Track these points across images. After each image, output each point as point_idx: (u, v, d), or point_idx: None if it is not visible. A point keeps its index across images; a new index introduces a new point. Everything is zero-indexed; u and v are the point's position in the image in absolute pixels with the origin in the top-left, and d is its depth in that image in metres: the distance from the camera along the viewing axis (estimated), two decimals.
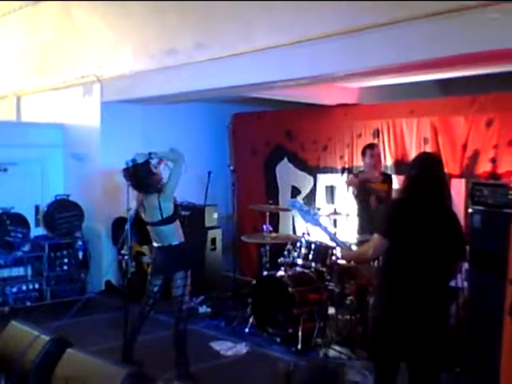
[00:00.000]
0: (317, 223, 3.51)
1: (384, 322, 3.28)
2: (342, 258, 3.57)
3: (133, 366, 4.49)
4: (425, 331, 3.21)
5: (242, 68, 5.69)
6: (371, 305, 3.45)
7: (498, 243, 4.52)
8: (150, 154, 4.78)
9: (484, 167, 5.79)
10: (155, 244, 4.93)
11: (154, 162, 4.77)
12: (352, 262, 4.23)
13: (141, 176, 4.69)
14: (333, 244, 3.56)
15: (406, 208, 3.29)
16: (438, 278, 3.29)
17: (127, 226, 6.64)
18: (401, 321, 3.21)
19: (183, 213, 7.31)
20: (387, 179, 6.26)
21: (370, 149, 6.24)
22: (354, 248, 3.57)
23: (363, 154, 6.26)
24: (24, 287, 7.04)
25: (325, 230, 3.52)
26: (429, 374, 3.30)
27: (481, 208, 4.75)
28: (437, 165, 3.44)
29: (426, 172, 3.32)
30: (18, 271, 7.07)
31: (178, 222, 4.89)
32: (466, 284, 5.58)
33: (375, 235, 3.26)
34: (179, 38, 6.32)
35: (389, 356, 3.31)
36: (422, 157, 3.63)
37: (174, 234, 4.83)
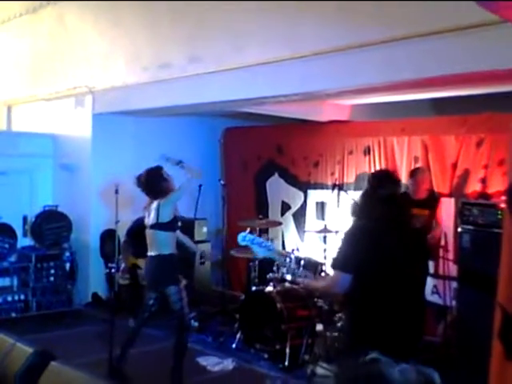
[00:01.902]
0: (273, 255, 3.37)
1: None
2: (306, 287, 3.42)
3: (120, 380, 4.47)
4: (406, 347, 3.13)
5: (234, 83, 5.71)
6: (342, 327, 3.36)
7: (487, 263, 4.53)
8: (180, 161, 4.96)
9: (474, 187, 5.82)
10: (149, 253, 4.93)
11: (174, 162, 4.96)
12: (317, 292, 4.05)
13: (153, 180, 4.83)
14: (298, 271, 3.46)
15: (369, 236, 3.09)
16: (412, 294, 3.24)
17: (124, 239, 6.67)
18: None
19: None
20: (427, 204, 5.82)
21: (411, 174, 5.98)
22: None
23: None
24: (9, 298, 6.97)
25: (284, 260, 3.44)
26: None
27: (470, 227, 4.77)
28: (395, 182, 3.38)
29: (385, 190, 3.23)
30: (3, 282, 7.00)
31: (173, 235, 4.89)
32: (454, 303, 5.59)
33: (335, 271, 3.09)
34: (173, 51, 6.33)
35: None
36: (381, 175, 3.55)
37: (167, 244, 4.83)
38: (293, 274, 5.88)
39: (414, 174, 5.92)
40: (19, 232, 7.30)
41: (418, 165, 6.28)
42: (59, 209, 7.47)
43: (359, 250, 3.03)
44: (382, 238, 3.07)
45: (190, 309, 4.94)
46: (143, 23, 6.61)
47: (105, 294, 7.45)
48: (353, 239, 3.12)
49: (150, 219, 4.88)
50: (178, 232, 5.05)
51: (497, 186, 5.63)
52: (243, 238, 3.24)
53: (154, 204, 4.83)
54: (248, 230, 3.46)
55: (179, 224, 5.05)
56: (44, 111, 8.34)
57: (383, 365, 1.00)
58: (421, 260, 3.25)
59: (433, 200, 5.92)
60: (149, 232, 4.90)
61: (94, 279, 7.53)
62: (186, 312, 4.81)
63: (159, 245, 4.83)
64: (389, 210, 3.13)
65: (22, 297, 7.06)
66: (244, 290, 6.70)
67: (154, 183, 4.85)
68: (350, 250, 3.08)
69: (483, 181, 5.75)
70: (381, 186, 3.27)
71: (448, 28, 4.10)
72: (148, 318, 4.97)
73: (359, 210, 3.22)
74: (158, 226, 4.79)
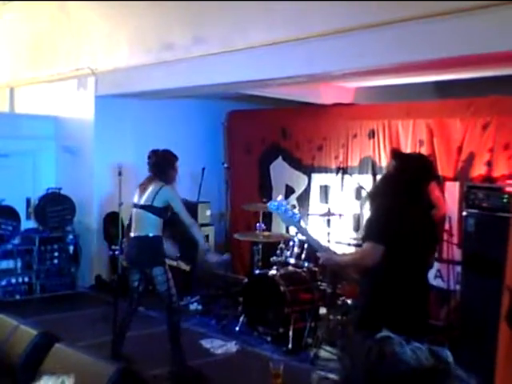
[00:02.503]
0: (299, 229, 3.42)
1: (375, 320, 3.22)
2: (328, 263, 3.40)
3: (122, 361, 4.48)
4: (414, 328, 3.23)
5: (238, 64, 5.66)
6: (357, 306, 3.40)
7: (492, 247, 4.51)
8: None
9: (479, 170, 5.78)
10: (132, 234, 4.89)
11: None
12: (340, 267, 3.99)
13: (165, 162, 4.85)
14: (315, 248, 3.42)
15: (399, 212, 3.20)
16: (425, 275, 3.39)
17: (128, 222, 6.64)
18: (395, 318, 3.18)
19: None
20: None
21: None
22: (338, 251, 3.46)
23: None
24: (13, 280, 6.99)
25: (307, 235, 3.43)
26: None
27: (475, 211, 4.74)
28: (431, 169, 3.50)
29: (420, 177, 3.31)
30: (7, 264, 7.01)
31: (160, 222, 4.81)
32: (457, 287, 5.58)
33: (368, 243, 3.15)
34: (176, 32, 6.27)
35: None
36: (419, 160, 3.54)
37: (155, 226, 4.80)
38: (296, 258, 5.89)
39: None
40: (22, 214, 7.30)
41: (422, 148, 6.24)
42: (62, 191, 7.46)
43: (390, 223, 3.11)
44: (409, 215, 3.17)
45: (190, 300, 4.91)
46: (146, 4, 6.54)
47: (108, 276, 7.46)
48: (384, 213, 3.19)
49: (141, 199, 4.81)
50: (195, 227, 4.96)
51: (502, 169, 5.59)
52: (271, 204, 3.30)
53: (153, 186, 4.78)
54: (280, 197, 3.47)
55: (169, 213, 4.93)
56: (46, 93, 8.30)
57: (395, 343, 0.98)
58: (433, 241, 3.34)
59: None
60: (138, 211, 4.84)
61: (97, 262, 7.55)
62: (173, 293, 4.77)
63: (147, 226, 4.80)
64: (414, 189, 3.24)
65: (26, 279, 7.09)
66: (247, 273, 6.71)
67: (164, 165, 4.85)
68: (382, 223, 3.16)
69: (489, 164, 5.71)
70: (407, 166, 3.31)
71: (454, 9, 4.04)
72: (139, 298, 4.95)
73: (388, 187, 3.31)
74: (150, 208, 4.74)
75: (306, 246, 5.85)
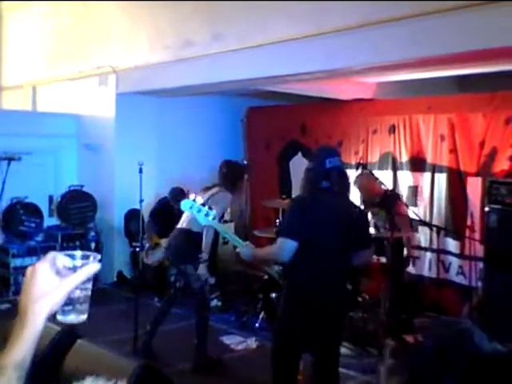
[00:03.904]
0: (216, 227, 3.52)
1: (291, 317, 3.27)
2: (247, 258, 3.42)
3: (146, 356, 4.55)
4: (331, 320, 3.28)
5: (257, 61, 5.65)
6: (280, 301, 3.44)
7: None
8: None
9: (502, 165, 5.71)
10: (178, 225, 4.97)
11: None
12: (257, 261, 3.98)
13: (234, 174, 4.96)
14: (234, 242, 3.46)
15: (308, 205, 3.26)
16: (342, 268, 3.32)
17: (148, 219, 6.70)
18: (307, 313, 3.21)
19: None
20: (383, 205, 5.78)
21: (354, 181, 5.94)
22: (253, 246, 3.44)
23: None
24: None
25: (225, 233, 3.47)
26: (332, 360, 3.37)
27: (498, 207, 4.69)
28: (332, 157, 3.33)
29: (322, 166, 3.27)
30: (30, 260, 7.08)
31: (210, 231, 4.77)
32: (479, 283, 5.52)
33: (281, 238, 3.20)
34: (196, 29, 6.28)
35: (294, 349, 3.32)
36: (320, 151, 3.58)
37: (199, 225, 4.80)
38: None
39: (356, 180, 5.94)
40: (45, 212, 7.39)
41: (444, 143, 6.17)
42: (84, 189, 7.54)
43: (300, 219, 3.20)
44: (315, 210, 3.21)
45: (211, 289, 4.96)
46: (165, 1, 6.56)
47: (129, 273, 7.52)
48: (294, 209, 3.32)
49: (200, 198, 4.90)
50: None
51: None
52: (184, 204, 3.38)
53: (214, 190, 4.87)
54: (193, 197, 3.51)
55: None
56: (68, 91, 8.38)
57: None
58: (353, 234, 3.24)
59: (388, 200, 5.86)
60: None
61: (118, 258, 7.61)
62: (206, 290, 4.87)
63: (193, 221, 4.83)
64: (331, 186, 3.25)
65: None
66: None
67: (235, 174, 4.96)
68: (289, 219, 3.32)
69: (511, 159, 5.63)
70: (318, 161, 3.34)
71: (476, 2, 3.99)
72: (174, 294, 5.05)
73: (304, 184, 3.39)
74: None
75: None
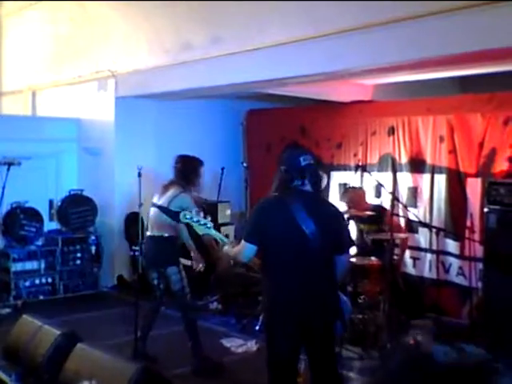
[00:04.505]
0: (215, 235, 3.56)
1: (270, 319, 3.27)
2: (222, 253, 3.51)
3: (144, 361, 4.53)
4: (313, 323, 3.20)
5: (256, 64, 5.66)
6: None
7: None
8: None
9: (501, 166, 5.70)
10: (148, 233, 4.97)
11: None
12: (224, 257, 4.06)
13: (190, 168, 4.90)
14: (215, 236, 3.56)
15: (274, 206, 3.24)
16: (318, 269, 3.19)
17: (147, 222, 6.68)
18: (283, 315, 3.19)
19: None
20: (373, 220, 5.90)
21: (343, 195, 6.17)
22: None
23: None
24: (37, 281, 7.08)
25: (218, 236, 3.52)
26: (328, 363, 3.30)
27: (497, 207, 4.69)
28: (303, 156, 3.27)
29: (293, 165, 3.23)
30: (31, 265, 7.10)
31: (175, 224, 4.79)
32: (479, 284, 5.52)
33: (242, 241, 3.23)
34: (194, 32, 6.30)
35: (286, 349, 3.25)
36: (287, 152, 3.47)
37: (169, 227, 4.85)
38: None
39: (344, 194, 5.97)
40: (45, 216, 7.40)
41: (443, 144, 6.18)
42: (84, 193, 7.55)
43: (258, 222, 3.23)
44: (280, 211, 3.17)
45: (210, 299, 4.95)
46: (164, 5, 6.57)
47: (130, 276, 7.52)
48: (255, 212, 3.33)
49: (160, 200, 4.89)
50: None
51: None
52: (184, 216, 3.45)
53: (173, 190, 4.84)
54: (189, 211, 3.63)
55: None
56: (68, 96, 8.40)
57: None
58: (327, 237, 3.16)
59: (379, 216, 5.92)
60: (155, 211, 4.91)
61: (119, 262, 7.62)
62: (186, 292, 4.86)
63: (162, 226, 4.87)
64: (290, 185, 3.21)
65: (49, 280, 7.17)
66: None
67: (189, 171, 4.90)
68: (249, 223, 3.35)
69: (510, 160, 5.63)
70: (285, 162, 3.31)
71: (474, 3, 4.00)
72: (161, 296, 5.02)
73: (276, 184, 3.33)
74: (166, 209, 4.80)
75: None
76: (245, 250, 3.21)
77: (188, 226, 4.99)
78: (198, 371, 4.79)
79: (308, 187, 3.22)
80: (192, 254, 5.06)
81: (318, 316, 3.19)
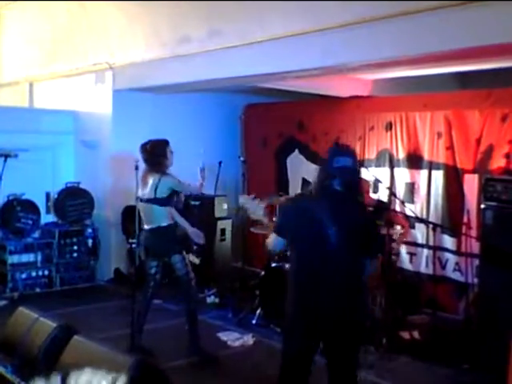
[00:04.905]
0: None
1: (294, 316, 3.26)
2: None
3: (141, 353, 4.55)
4: (333, 321, 3.16)
5: (254, 57, 5.65)
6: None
7: (510, 240, 4.47)
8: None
9: (498, 162, 5.72)
10: (146, 226, 4.98)
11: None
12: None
13: (155, 152, 4.90)
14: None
15: (298, 205, 3.30)
16: (342, 270, 3.15)
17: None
18: (304, 310, 3.20)
19: (192, 203, 7.32)
20: (375, 214, 5.78)
21: None
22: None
23: None
24: (33, 273, 7.08)
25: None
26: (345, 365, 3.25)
27: (494, 204, 4.69)
28: (343, 156, 3.24)
29: (331, 164, 3.20)
30: (27, 257, 7.10)
31: (169, 209, 4.91)
32: (476, 280, 5.54)
33: (272, 233, 3.31)
34: (192, 25, 6.28)
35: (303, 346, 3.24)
36: (331, 149, 3.41)
37: (164, 216, 4.88)
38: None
39: None
40: (42, 208, 7.39)
41: (440, 140, 6.18)
42: (81, 185, 7.54)
43: (286, 217, 3.30)
44: (308, 210, 3.17)
45: (207, 292, 5.01)
46: None
47: (127, 269, 7.53)
48: (285, 207, 3.45)
49: (145, 192, 4.89)
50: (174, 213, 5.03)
51: None
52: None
53: (152, 179, 4.85)
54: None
55: (175, 199, 5.01)
56: (65, 88, 8.37)
57: None
58: (357, 238, 3.13)
59: (380, 210, 5.88)
60: (144, 205, 4.92)
61: (115, 255, 7.62)
62: (191, 277, 4.91)
63: (157, 217, 4.89)
64: (328, 183, 3.19)
65: (46, 272, 7.17)
66: (264, 266, 6.70)
67: (155, 154, 4.90)
68: (283, 216, 3.40)
69: (508, 156, 5.64)
70: (322, 161, 3.33)
71: None
72: (155, 287, 5.03)
73: (313, 182, 3.35)
74: (154, 200, 4.83)
75: None
76: (274, 242, 3.29)
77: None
78: (194, 363, 4.82)
79: (339, 188, 3.18)
80: (189, 231, 5.09)
81: (335, 317, 3.16)
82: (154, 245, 4.97)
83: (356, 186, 3.29)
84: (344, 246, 3.11)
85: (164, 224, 4.89)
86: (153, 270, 4.99)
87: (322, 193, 3.22)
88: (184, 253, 4.96)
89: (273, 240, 3.29)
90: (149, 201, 4.86)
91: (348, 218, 3.16)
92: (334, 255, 3.12)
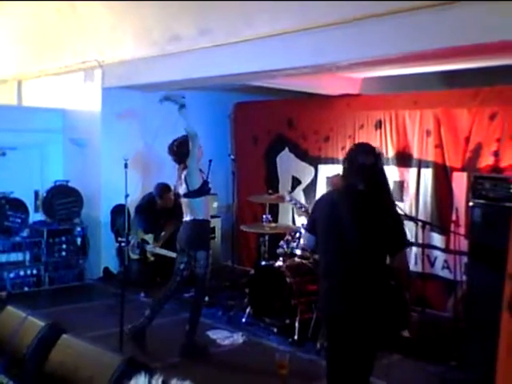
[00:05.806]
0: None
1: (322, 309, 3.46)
2: None
3: (133, 346, 4.60)
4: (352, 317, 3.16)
5: (244, 56, 5.64)
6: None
7: (498, 237, 4.48)
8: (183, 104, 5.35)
9: (486, 161, 5.75)
10: (184, 218, 5.14)
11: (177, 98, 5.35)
12: None
13: (181, 151, 5.05)
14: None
15: (324, 203, 3.37)
16: (364, 266, 3.14)
17: (133, 215, 6.71)
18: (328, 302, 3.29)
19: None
20: None
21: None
22: None
23: None
24: (22, 272, 7.04)
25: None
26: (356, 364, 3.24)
27: (482, 202, 4.71)
28: (363, 154, 3.24)
29: (352, 163, 3.24)
30: (16, 256, 7.06)
31: (205, 199, 5.07)
32: (464, 277, 5.57)
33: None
34: (182, 23, 6.26)
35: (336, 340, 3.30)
36: (351, 148, 3.43)
37: (200, 209, 5.03)
38: (302, 249, 5.89)
39: (327, 182, 5.96)
40: (31, 207, 7.35)
41: (429, 138, 6.20)
42: (70, 184, 7.50)
43: (313, 215, 3.42)
44: (331, 208, 3.25)
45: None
46: None
47: (116, 268, 7.50)
48: (314, 205, 3.54)
49: (182, 188, 5.09)
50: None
51: (510, 159, 5.56)
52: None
53: (182, 175, 5.05)
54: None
55: (210, 186, 5.17)
56: (54, 86, 8.32)
57: None
58: (379, 235, 3.13)
59: None
60: (183, 200, 5.12)
61: (105, 254, 7.59)
62: (207, 278, 5.05)
63: (193, 210, 5.04)
64: (354, 184, 3.21)
65: (35, 271, 7.13)
66: (254, 264, 6.72)
67: (181, 154, 5.06)
68: (311, 214, 3.52)
69: (496, 154, 5.68)
70: (346, 159, 3.34)
71: None
72: (180, 282, 5.14)
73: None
74: (190, 194, 5.00)
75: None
76: (307, 239, 3.48)
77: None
78: (185, 355, 4.91)
79: (362, 186, 3.17)
80: None
81: (349, 317, 3.15)
82: (186, 236, 5.06)
83: (379, 183, 3.25)
84: (361, 244, 3.12)
85: (199, 217, 5.02)
86: (182, 266, 5.09)
87: (345, 191, 3.30)
88: (210, 252, 5.09)
89: (305, 238, 3.49)
90: (185, 195, 5.05)
91: (368, 216, 3.15)
92: (350, 252, 3.14)
